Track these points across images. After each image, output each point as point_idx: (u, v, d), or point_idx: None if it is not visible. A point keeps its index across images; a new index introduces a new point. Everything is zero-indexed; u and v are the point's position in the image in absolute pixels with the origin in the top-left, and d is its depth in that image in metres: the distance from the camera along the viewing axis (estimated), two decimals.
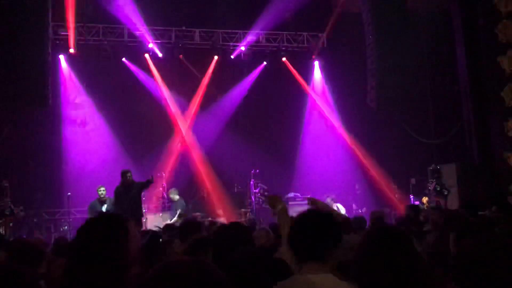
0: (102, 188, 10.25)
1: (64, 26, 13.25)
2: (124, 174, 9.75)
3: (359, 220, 6.29)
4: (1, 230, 9.65)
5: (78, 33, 13.57)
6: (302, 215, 2.65)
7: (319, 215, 2.62)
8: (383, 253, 1.99)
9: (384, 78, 13.29)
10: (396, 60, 13.24)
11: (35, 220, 11.75)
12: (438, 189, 11.98)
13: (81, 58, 13.80)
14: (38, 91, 11.40)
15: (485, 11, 12.52)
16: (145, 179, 9.94)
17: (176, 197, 11.67)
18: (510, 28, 12.01)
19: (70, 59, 13.82)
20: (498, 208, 7.74)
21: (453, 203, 11.47)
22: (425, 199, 12.30)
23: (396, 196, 13.19)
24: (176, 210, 11.36)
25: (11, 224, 10.04)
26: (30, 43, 11.24)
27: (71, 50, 13.50)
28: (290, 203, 13.23)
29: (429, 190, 12.21)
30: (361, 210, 12.12)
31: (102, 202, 10.23)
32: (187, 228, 4.78)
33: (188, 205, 12.30)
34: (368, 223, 6.40)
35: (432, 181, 12.26)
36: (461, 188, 12.21)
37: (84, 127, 13.91)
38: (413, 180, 13.33)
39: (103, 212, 9.10)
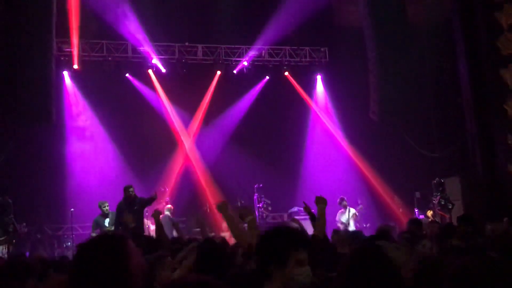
0: (106, 204, 10.16)
1: (68, 43, 13.39)
2: (126, 189, 9.71)
3: (355, 235, 6.18)
4: (4, 247, 9.63)
5: (82, 49, 13.70)
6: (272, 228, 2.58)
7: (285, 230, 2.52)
8: (361, 274, 2.01)
9: (386, 91, 13.32)
10: (398, 74, 13.27)
11: (38, 236, 11.73)
12: (443, 202, 11.91)
13: (85, 74, 13.92)
14: (42, 107, 11.48)
15: (486, 24, 12.55)
16: (148, 194, 9.92)
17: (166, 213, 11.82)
18: None
19: (74, 75, 13.93)
20: (510, 220, 7.69)
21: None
22: (429, 213, 12.21)
23: (400, 210, 13.10)
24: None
25: (14, 241, 10.00)
26: (34, 60, 11.34)
27: (75, 66, 13.61)
28: (294, 217, 13.19)
29: (434, 203, 12.14)
30: (365, 225, 12.06)
31: (106, 216, 10.11)
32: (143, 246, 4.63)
33: (191, 220, 12.29)
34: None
35: (436, 195, 12.19)
36: (465, 201, 12.13)
37: (88, 142, 13.95)
38: (417, 194, 13.26)
39: (104, 232, 9.08)
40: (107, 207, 10.13)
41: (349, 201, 12.76)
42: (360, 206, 12.38)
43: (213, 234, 10.89)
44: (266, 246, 2.43)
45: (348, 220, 11.88)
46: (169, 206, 11.99)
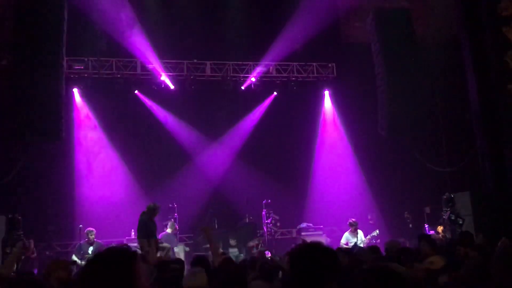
0: (93, 232, 10.85)
1: (78, 61, 13.58)
2: (154, 210, 9.86)
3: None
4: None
5: (92, 67, 13.86)
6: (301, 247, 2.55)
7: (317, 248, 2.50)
8: None
9: (394, 106, 13.30)
10: (406, 89, 13.26)
11: (47, 253, 11.73)
12: (453, 218, 11.77)
13: (95, 91, 14.06)
14: (52, 124, 11.55)
15: (494, 40, 12.54)
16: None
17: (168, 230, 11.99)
18: None
19: (84, 92, 14.08)
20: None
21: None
22: (440, 228, 12.08)
23: (410, 226, 12.97)
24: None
25: (23, 257, 9.99)
26: (45, 77, 11.47)
27: None
28: (302, 233, 13.12)
29: (444, 219, 12.01)
30: (375, 241, 11.92)
31: (90, 244, 10.74)
32: None
33: (201, 236, 12.25)
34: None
35: (446, 210, 12.06)
36: (476, 216, 11.99)
37: (97, 159, 14.03)
38: (427, 209, 13.15)
39: (113, 246, 9.11)
40: (93, 235, 10.76)
41: (358, 216, 12.66)
42: (376, 231, 12.18)
43: (221, 250, 10.84)
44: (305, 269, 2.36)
45: (356, 242, 11.74)
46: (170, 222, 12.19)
